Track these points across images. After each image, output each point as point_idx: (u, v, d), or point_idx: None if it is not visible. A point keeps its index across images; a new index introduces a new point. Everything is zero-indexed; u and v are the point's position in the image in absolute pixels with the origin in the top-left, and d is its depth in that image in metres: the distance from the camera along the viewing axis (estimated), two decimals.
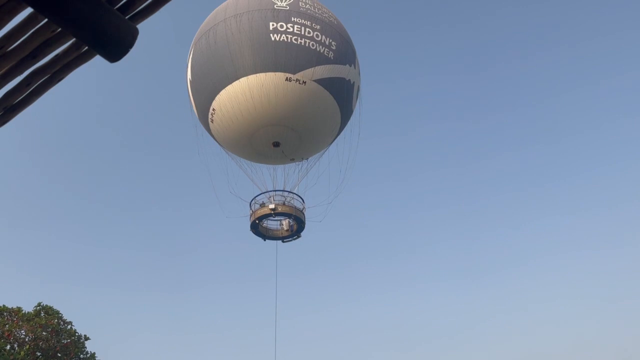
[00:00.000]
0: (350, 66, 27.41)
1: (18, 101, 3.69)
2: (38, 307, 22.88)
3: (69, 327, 23.05)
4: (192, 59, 27.02)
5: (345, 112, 28.07)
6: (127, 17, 3.33)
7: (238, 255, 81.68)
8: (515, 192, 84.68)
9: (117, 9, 3.30)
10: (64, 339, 22.39)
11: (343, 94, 27.00)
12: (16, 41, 3.40)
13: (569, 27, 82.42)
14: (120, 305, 72.54)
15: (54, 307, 23.29)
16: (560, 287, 75.40)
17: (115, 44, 3.30)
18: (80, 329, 24.08)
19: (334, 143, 29.90)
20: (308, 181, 30.04)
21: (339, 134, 29.10)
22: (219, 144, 28.49)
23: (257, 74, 25.17)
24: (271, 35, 25.08)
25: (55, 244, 77.54)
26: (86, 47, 3.39)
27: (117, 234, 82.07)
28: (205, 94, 26.30)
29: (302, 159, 28.97)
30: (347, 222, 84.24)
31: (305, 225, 29.45)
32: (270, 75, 25.17)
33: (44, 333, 21.69)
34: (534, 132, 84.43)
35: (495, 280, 78.38)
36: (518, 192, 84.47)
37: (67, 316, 23.45)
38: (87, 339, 23.12)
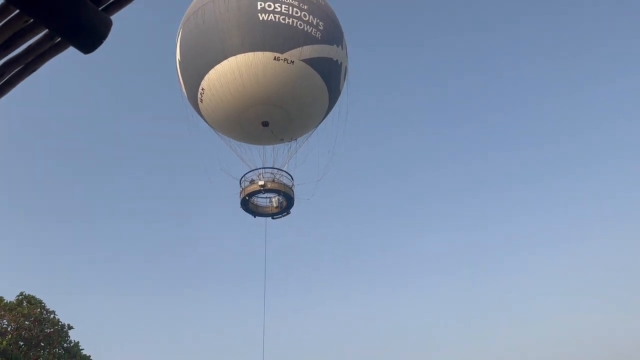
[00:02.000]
0: (338, 47, 27.04)
1: None
2: (20, 297, 22.15)
3: (52, 316, 22.37)
4: (180, 39, 26.48)
5: (333, 92, 27.81)
6: (100, 9, 3.18)
7: (229, 241, 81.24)
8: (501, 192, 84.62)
9: (90, 0, 3.15)
10: (47, 328, 21.70)
11: (330, 74, 26.70)
12: None
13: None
14: (107, 295, 71.58)
15: (37, 297, 22.60)
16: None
17: (88, 36, 3.16)
18: (64, 318, 23.33)
19: (322, 124, 29.67)
20: (297, 160, 29.92)
21: (327, 114, 28.87)
22: (209, 124, 28.15)
23: (246, 54, 24.75)
24: (259, 14, 24.60)
25: (40, 235, 76.16)
26: (59, 38, 3.24)
27: (105, 221, 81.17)
28: (194, 73, 25.86)
29: (291, 139, 28.76)
30: (336, 199, 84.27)
31: (295, 202, 29.43)
32: (258, 55, 24.77)
33: (26, 322, 21.03)
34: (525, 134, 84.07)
35: (486, 278, 78.95)
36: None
37: (50, 305, 22.76)
38: (70, 328, 22.44)
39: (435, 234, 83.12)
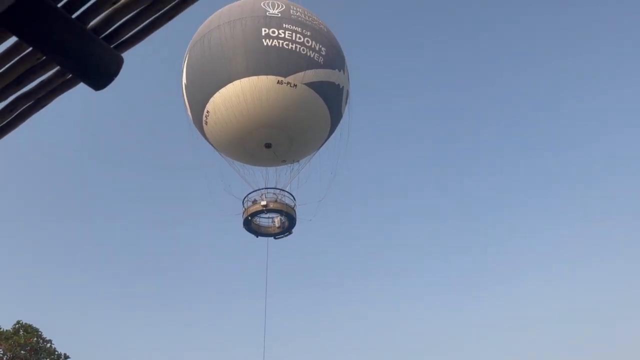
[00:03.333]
0: (340, 71, 27.28)
1: (2, 125, 3.53)
2: (17, 325, 21.60)
3: (48, 345, 21.91)
4: (187, 64, 26.76)
5: (335, 115, 27.95)
6: (112, 46, 3.17)
7: (230, 258, 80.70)
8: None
9: (102, 38, 3.14)
10: (44, 357, 21.23)
11: (332, 98, 26.89)
12: (1, 68, 3.24)
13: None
14: (103, 322, 70.22)
15: (34, 325, 22.08)
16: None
17: (99, 73, 3.14)
18: (61, 347, 22.84)
19: (324, 146, 29.75)
20: (299, 180, 29.92)
21: (329, 136, 28.97)
22: (213, 146, 28.24)
23: (250, 77, 24.99)
24: (263, 40, 24.90)
25: (37, 258, 75.13)
26: (70, 75, 3.23)
27: (108, 240, 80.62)
28: (199, 96, 26.06)
29: (294, 160, 28.80)
30: (336, 224, 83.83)
31: (297, 222, 29.32)
32: (262, 79, 25.00)
33: (22, 352, 20.52)
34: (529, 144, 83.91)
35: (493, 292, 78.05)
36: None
37: (46, 334, 22.31)
38: (67, 357, 21.97)
39: (434, 257, 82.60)
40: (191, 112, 27.55)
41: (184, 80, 27.05)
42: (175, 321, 72.79)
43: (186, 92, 27.17)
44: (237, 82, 25.09)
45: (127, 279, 77.59)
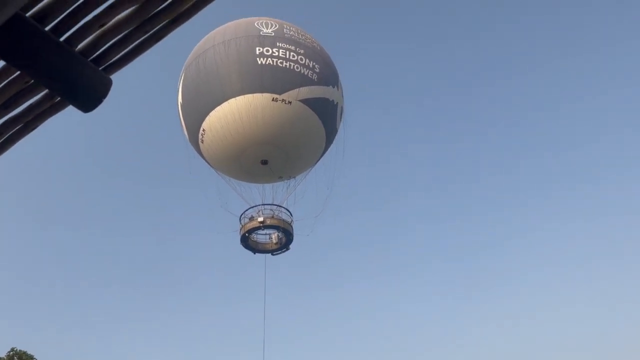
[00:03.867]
0: (334, 88, 27.44)
1: None
2: (11, 352, 21.25)
3: None
4: (182, 83, 26.87)
5: (330, 131, 28.03)
6: (101, 68, 3.14)
7: (229, 273, 79.99)
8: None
9: (90, 60, 3.11)
10: None
11: (327, 113, 27.01)
12: None
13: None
14: (100, 340, 68.68)
15: (28, 352, 21.72)
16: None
17: (88, 95, 3.11)
18: None
19: (320, 161, 29.77)
20: (296, 196, 29.86)
21: (324, 152, 29.01)
22: (209, 164, 28.22)
23: (245, 95, 25.10)
24: (258, 59, 25.07)
25: (33, 281, 73.75)
26: (59, 98, 3.19)
27: (105, 261, 79.85)
28: (195, 115, 26.12)
29: (290, 177, 28.79)
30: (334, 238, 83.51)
31: (294, 238, 29.19)
32: (257, 96, 25.11)
33: None
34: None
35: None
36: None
37: None
38: None
39: (433, 264, 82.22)
40: (187, 130, 27.58)
41: (180, 100, 27.13)
42: (172, 334, 71.96)
43: (182, 111, 27.22)
44: (232, 101, 25.18)
45: (126, 294, 76.72)
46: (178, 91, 27.35)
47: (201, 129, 26.17)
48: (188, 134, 27.65)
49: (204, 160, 28.31)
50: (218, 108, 25.32)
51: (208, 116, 25.51)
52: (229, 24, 26.99)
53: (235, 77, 25.19)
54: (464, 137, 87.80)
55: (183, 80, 26.95)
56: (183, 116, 27.33)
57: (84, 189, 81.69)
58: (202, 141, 26.51)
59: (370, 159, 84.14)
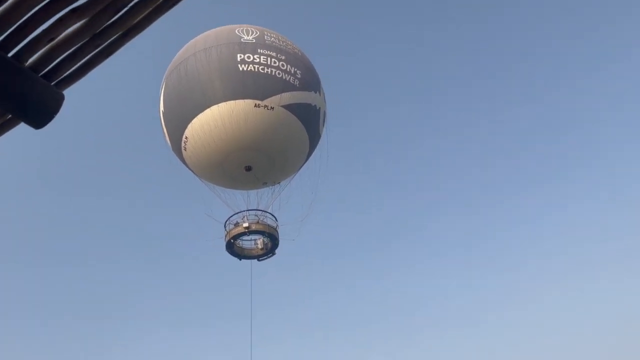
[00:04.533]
0: (316, 93, 27.44)
1: None
2: None
3: None
4: (164, 91, 26.65)
5: (313, 136, 28.02)
6: (52, 84, 3.04)
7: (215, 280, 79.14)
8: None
9: (41, 76, 3.01)
10: None
11: (309, 119, 26.99)
12: None
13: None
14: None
15: None
16: None
17: (39, 112, 3.01)
18: None
19: (304, 166, 29.72)
20: (281, 201, 29.75)
21: (308, 157, 28.97)
22: (193, 171, 27.99)
23: (227, 102, 24.97)
24: (239, 65, 24.97)
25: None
26: (10, 115, 3.08)
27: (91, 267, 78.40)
28: (177, 123, 25.90)
29: (274, 182, 28.68)
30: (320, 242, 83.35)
31: (280, 243, 29.05)
32: (239, 103, 24.99)
33: None
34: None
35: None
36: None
37: None
38: None
39: (423, 263, 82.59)
40: (170, 139, 27.33)
41: (162, 108, 26.89)
42: (157, 341, 71.03)
43: (164, 119, 26.98)
44: (214, 107, 25.04)
45: (110, 299, 75.62)
46: (160, 100, 27.12)
47: (184, 136, 25.95)
48: (170, 142, 27.41)
49: (187, 169, 28.08)
50: (200, 115, 25.15)
51: (190, 124, 25.32)
52: (209, 31, 26.87)
53: (217, 84, 25.07)
54: (448, 137, 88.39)
55: (164, 88, 26.74)
56: (165, 124, 27.09)
57: (68, 196, 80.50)
58: (185, 149, 26.29)
59: (354, 162, 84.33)
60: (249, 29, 26.39)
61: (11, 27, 2.81)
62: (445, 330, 73.15)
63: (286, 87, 25.54)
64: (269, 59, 25.36)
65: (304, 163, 29.33)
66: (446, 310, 76.26)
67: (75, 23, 2.84)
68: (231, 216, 28.09)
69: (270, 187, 29.32)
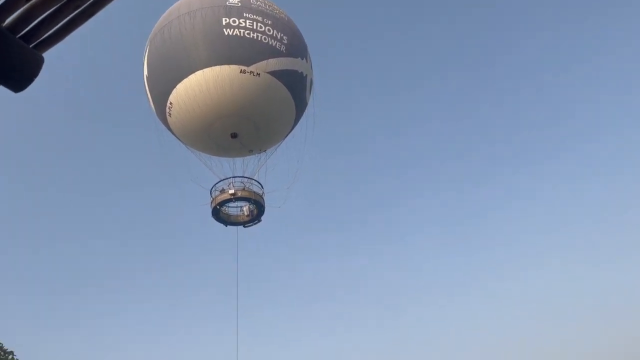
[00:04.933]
0: (302, 59, 26.96)
1: None
2: None
3: (10, 357, 20.97)
4: (147, 56, 25.93)
5: (300, 103, 27.69)
6: (31, 46, 2.93)
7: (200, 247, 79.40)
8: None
9: (19, 37, 2.90)
10: None
11: (296, 86, 26.60)
12: None
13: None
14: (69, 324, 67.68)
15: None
16: None
17: (19, 74, 2.90)
18: (23, 358, 21.80)
19: (290, 134, 29.49)
20: (267, 168, 29.64)
21: (294, 125, 28.72)
22: (178, 137, 27.61)
23: (213, 67, 24.44)
24: (224, 30, 24.34)
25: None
26: None
27: (74, 238, 77.96)
28: (162, 88, 25.34)
29: (260, 150, 28.46)
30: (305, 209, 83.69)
31: (265, 210, 29.09)
32: (225, 68, 24.48)
33: None
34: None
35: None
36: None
37: (8, 345, 21.26)
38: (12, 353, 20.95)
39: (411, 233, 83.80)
40: (154, 104, 26.80)
41: (145, 73, 26.23)
42: (140, 311, 71.74)
43: (148, 84, 26.35)
44: (199, 73, 24.49)
45: (93, 273, 75.76)
46: (143, 64, 26.41)
47: (168, 102, 25.45)
48: (155, 107, 26.88)
49: (172, 135, 27.68)
50: (185, 80, 24.60)
51: (175, 89, 24.79)
52: None
53: (202, 49, 24.44)
54: (433, 114, 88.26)
55: (148, 52, 26.00)
56: (149, 89, 26.48)
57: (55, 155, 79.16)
58: (170, 114, 25.82)
59: (340, 131, 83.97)
60: None
61: None
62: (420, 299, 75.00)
63: (272, 53, 25.04)
64: (254, 23, 24.73)
65: (290, 131, 29.11)
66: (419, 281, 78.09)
67: None
68: (217, 183, 27.99)
69: (257, 154, 29.16)
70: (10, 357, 21.13)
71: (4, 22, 2.84)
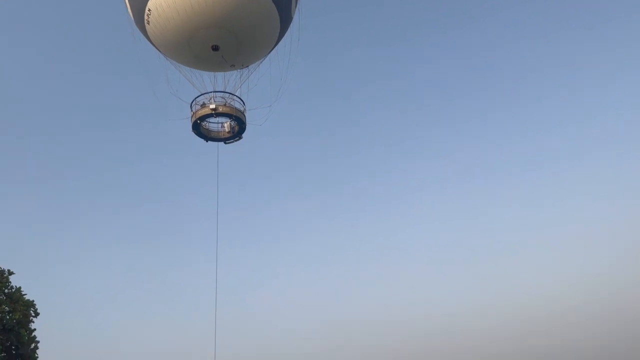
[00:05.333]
0: None
1: None
2: None
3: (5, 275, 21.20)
4: None
5: (284, 18, 26.55)
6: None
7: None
8: None
9: None
10: None
11: None
12: None
13: None
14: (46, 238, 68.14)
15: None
16: None
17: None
18: (4, 263, 22.05)
19: (274, 50, 28.57)
20: (249, 85, 29.02)
21: (278, 40, 27.72)
22: (157, 47, 26.51)
23: None
24: None
25: None
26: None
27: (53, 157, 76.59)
28: None
29: (243, 65, 27.62)
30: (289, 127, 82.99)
31: (246, 127, 28.85)
32: None
33: None
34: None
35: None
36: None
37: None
38: (11, 273, 21.42)
39: (389, 163, 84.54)
40: (132, 11, 25.37)
41: None
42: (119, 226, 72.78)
43: None
44: None
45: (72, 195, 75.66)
46: None
47: (147, 9, 24.10)
48: (133, 14, 25.51)
49: (151, 44, 26.62)
50: None
51: None
52: None
53: None
54: (423, 33, 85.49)
55: None
56: None
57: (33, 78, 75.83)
58: (148, 22, 24.57)
59: (326, 48, 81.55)
60: None
61: None
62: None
63: None
64: None
65: (274, 46, 28.22)
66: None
67: None
68: (197, 97, 27.37)
69: (239, 69, 28.43)
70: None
71: None
